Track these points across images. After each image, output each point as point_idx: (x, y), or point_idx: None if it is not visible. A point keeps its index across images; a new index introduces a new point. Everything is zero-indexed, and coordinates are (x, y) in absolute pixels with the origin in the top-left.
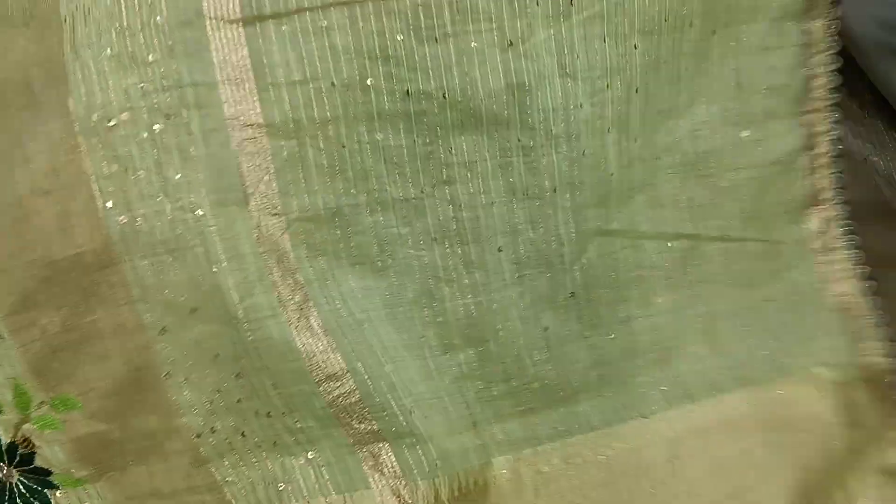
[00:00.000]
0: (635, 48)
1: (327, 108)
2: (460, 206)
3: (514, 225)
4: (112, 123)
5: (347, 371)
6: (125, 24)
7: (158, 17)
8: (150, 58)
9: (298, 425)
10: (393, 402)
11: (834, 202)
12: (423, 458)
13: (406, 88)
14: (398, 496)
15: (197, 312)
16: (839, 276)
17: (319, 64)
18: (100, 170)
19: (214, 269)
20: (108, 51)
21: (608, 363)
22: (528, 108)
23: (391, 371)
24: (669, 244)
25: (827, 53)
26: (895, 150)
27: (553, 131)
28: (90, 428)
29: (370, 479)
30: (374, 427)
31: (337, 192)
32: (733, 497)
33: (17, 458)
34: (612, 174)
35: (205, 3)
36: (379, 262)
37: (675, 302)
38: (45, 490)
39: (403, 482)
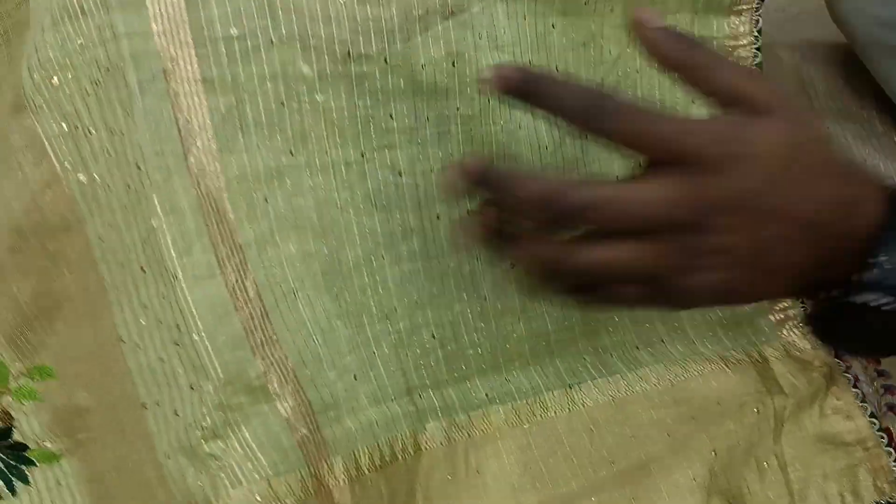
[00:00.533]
0: (553, 27)
1: (265, 64)
2: (400, 172)
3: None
4: (55, 81)
5: (278, 339)
6: None
7: None
8: (85, 7)
9: (231, 401)
10: (319, 374)
11: None
12: (340, 431)
13: (347, 50)
14: (317, 476)
15: (146, 272)
16: None
17: (258, 20)
18: (51, 130)
19: (154, 224)
20: (52, 7)
21: (542, 335)
22: (467, 78)
23: (319, 343)
24: None
25: (751, 47)
26: None
27: (490, 102)
28: (65, 397)
29: (301, 452)
30: (303, 398)
31: (276, 152)
32: (645, 464)
33: None
34: (546, 148)
35: None
36: (319, 227)
37: None
38: (23, 466)
39: (324, 458)
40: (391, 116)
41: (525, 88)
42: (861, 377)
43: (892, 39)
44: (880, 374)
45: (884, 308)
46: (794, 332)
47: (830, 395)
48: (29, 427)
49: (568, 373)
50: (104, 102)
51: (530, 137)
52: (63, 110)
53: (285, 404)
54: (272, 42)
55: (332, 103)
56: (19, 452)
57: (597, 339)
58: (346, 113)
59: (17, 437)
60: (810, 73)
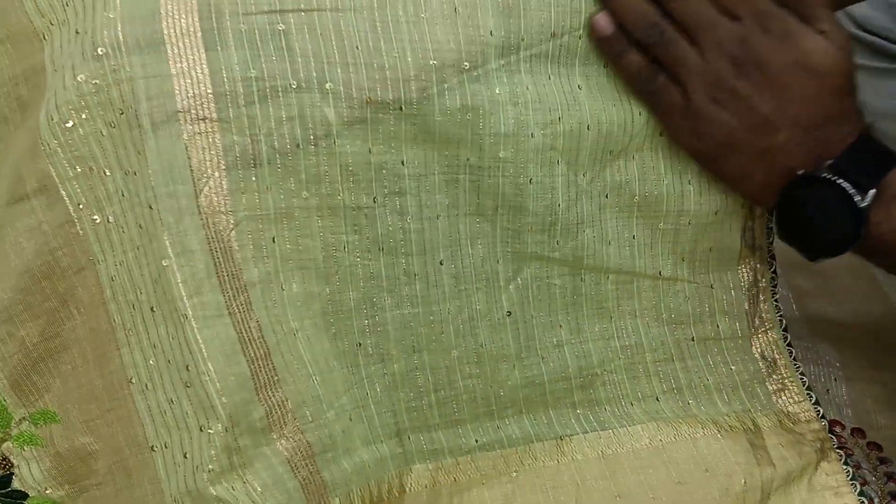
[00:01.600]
0: (579, 88)
1: (283, 106)
2: (408, 217)
3: (456, 239)
4: (70, 124)
5: (280, 380)
6: (83, 24)
7: (111, 13)
8: (100, 51)
9: (237, 443)
10: (319, 414)
11: (766, 255)
12: (338, 473)
13: (365, 97)
14: None
15: (155, 312)
16: (765, 326)
17: (277, 63)
18: (65, 172)
19: (165, 263)
20: (69, 52)
21: (537, 385)
22: (480, 130)
23: (318, 383)
24: (608, 277)
25: None
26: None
27: (501, 155)
28: (69, 441)
29: (304, 495)
30: (303, 439)
31: (288, 193)
32: None
33: None
34: (559, 205)
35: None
36: (324, 268)
37: (604, 331)
38: None
39: (324, 500)
40: (402, 163)
41: None
42: (863, 465)
43: (887, 128)
44: (882, 461)
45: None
46: (790, 401)
47: (820, 471)
48: (29, 473)
49: (560, 424)
50: (118, 144)
51: (542, 193)
52: (77, 152)
53: (287, 446)
54: (291, 85)
55: (348, 147)
56: (18, 501)
57: (592, 391)
58: (360, 158)
59: (16, 484)
60: None
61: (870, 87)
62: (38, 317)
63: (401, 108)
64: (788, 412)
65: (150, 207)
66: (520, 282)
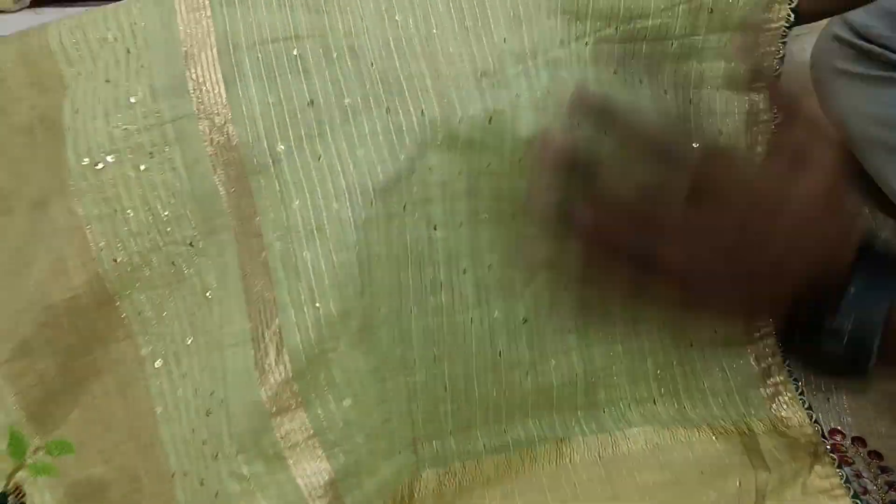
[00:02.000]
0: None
1: (301, 125)
2: (435, 226)
3: (477, 247)
4: (100, 167)
5: (301, 404)
6: (114, 74)
7: (143, 63)
8: (132, 100)
9: (246, 469)
10: (345, 439)
11: None
12: (360, 496)
13: (386, 107)
14: None
15: (190, 344)
16: (761, 333)
17: (294, 85)
18: (91, 212)
19: (209, 295)
20: (100, 99)
21: (545, 389)
22: (503, 135)
23: (348, 406)
24: None
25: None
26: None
27: (521, 160)
28: (83, 472)
29: None
30: (325, 466)
31: (317, 209)
32: None
33: None
34: None
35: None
36: (360, 283)
37: (608, 336)
38: None
39: None
40: (430, 169)
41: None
42: (864, 474)
43: (886, 137)
44: (883, 470)
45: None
46: (783, 406)
47: (814, 474)
48: (42, 501)
49: (562, 426)
50: (146, 185)
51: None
52: (105, 194)
53: (302, 473)
54: (308, 103)
55: (374, 156)
56: None
57: (595, 394)
58: (389, 165)
59: None
60: None
61: (869, 95)
62: (58, 351)
63: (422, 113)
64: (782, 417)
65: (189, 244)
66: (533, 287)
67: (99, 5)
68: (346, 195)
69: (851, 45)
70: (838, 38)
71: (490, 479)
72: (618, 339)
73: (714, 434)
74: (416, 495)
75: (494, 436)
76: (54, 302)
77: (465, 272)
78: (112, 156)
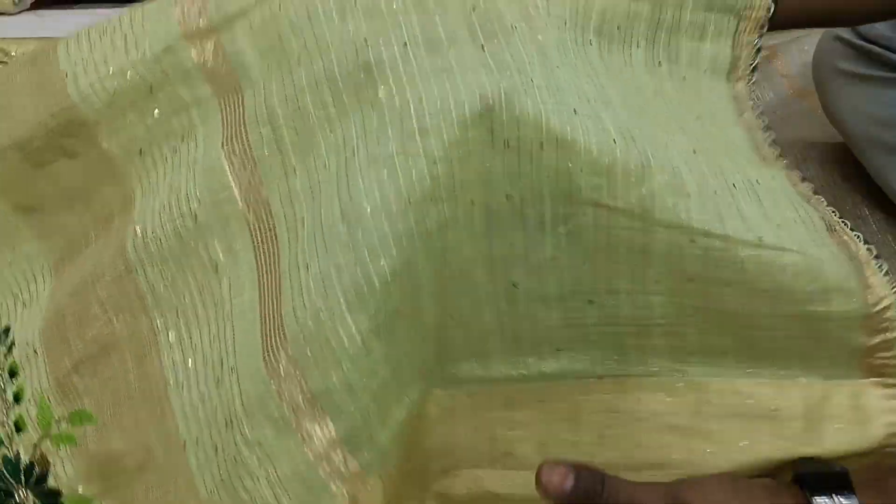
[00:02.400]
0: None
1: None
2: (435, 160)
3: (489, 176)
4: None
5: (300, 368)
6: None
7: (148, 52)
8: (154, 86)
9: (255, 435)
10: (350, 402)
11: None
12: (372, 451)
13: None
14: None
15: (199, 316)
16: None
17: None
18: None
19: (214, 269)
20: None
21: (578, 326)
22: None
23: (347, 369)
24: (693, 240)
25: (755, 111)
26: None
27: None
28: (102, 442)
29: (332, 486)
30: (334, 428)
31: (311, 170)
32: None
33: (34, 478)
34: (614, 140)
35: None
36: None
37: (673, 290)
38: None
39: (360, 483)
40: (420, 101)
41: None
42: None
43: (886, 137)
44: None
45: None
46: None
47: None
48: (63, 471)
49: (592, 365)
50: (172, 167)
51: (595, 129)
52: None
53: (309, 437)
54: (317, 84)
55: (376, 123)
56: (53, 500)
57: (647, 338)
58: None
59: (50, 481)
60: (809, 172)
61: (869, 95)
62: (83, 321)
63: None
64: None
65: (196, 219)
66: (572, 226)
67: (99, 7)
68: (336, 154)
69: (853, 46)
70: (840, 39)
71: (512, 402)
72: (686, 294)
73: (781, 390)
74: (427, 414)
75: (514, 367)
76: (84, 271)
77: (473, 203)
78: (148, 144)
